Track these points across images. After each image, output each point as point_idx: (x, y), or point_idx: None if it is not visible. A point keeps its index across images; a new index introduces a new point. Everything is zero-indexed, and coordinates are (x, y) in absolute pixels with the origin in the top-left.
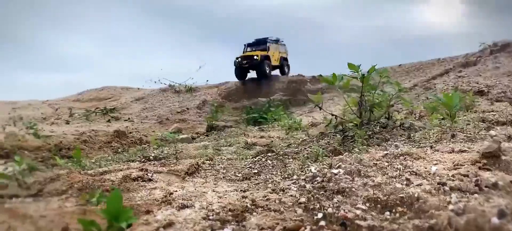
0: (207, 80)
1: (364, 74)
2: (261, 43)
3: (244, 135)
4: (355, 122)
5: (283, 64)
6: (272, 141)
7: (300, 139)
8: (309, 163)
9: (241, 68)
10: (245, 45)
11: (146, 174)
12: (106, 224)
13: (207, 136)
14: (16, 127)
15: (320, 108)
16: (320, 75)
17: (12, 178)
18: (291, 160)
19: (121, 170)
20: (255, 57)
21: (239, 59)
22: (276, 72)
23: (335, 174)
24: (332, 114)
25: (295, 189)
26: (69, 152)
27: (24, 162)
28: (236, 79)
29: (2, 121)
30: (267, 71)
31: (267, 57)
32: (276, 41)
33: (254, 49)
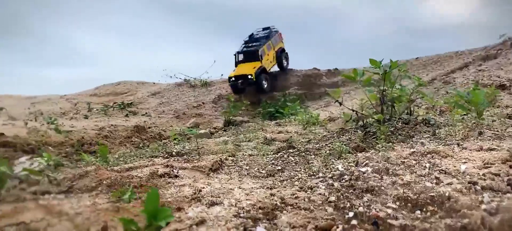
0: (222, 75)
1: (386, 70)
2: (253, 53)
3: (262, 130)
4: (378, 118)
5: (281, 57)
6: (291, 136)
7: (320, 135)
8: (333, 160)
9: (237, 86)
10: (235, 55)
11: (172, 171)
12: (144, 223)
13: (225, 131)
14: (37, 122)
15: (340, 104)
16: (336, 68)
17: (43, 175)
18: (313, 156)
19: (146, 166)
20: (249, 77)
21: (233, 79)
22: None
23: (363, 173)
24: (353, 110)
25: (324, 187)
26: (91, 147)
27: (51, 158)
28: None
29: (23, 116)
30: (265, 86)
31: (262, 70)
32: (267, 34)
33: (245, 57)
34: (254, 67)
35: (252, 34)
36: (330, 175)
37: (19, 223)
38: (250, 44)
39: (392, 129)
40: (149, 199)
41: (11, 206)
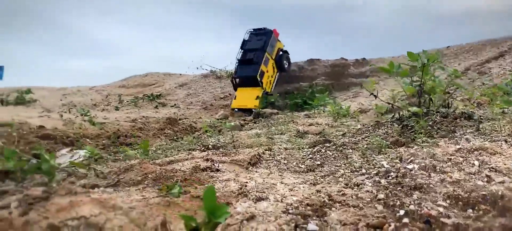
0: None
1: (424, 64)
2: (252, 79)
3: (293, 122)
4: (417, 112)
5: (281, 60)
6: (323, 129)
7: (354, 128)
8: (374, 156)
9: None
10: (232, 80)
11: (213, 165)
12: (198, 218)
13: (255, 123)
14: (71, 113)
15: (376, 97)
16: (364, 58)
17: (90, 168)
18: (351, 150)
19: (186, 159)
20: (253, 110)
21: (237, 110)
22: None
23: (410, 170)
24: (389, 103)
25: (370, 184)
26: (127, 140)
27: (94, 152)
28: None
29: (56, 107)
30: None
31: (266, 93)
32: (262, 44)
33: (244, 82)
34: (257, 97)
35: (244, 42)
36: (375, 172)
37: (79, 217)
38: (246, 61)
39: (430, 123)
40: (206, 196)
41: (67, 200)
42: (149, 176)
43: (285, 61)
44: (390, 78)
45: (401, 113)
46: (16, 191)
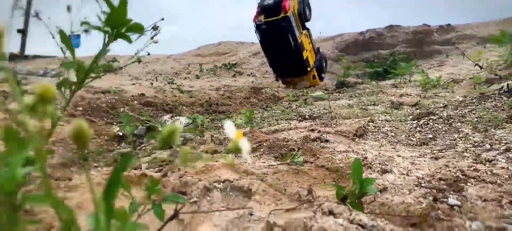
0: (320, 33)
1: None
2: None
3: (382, 92)
4: None
5: (304, 9)
6: (419, 101)
7: (455, 100)
8: (493, 130)
9: None
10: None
11: (322, 135)
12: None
13: (339, 93)
14: (158, 82)
15: (481, 68)
16: (449, 24)
17: (207, 134)
18: (460, 124)
19: (290, 129)
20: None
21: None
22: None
23: None
24: (496, 74)
25: (504, 160)
26: (219, 107)
27: (203, 119)
28: (353, 31)
29: (142, 75)
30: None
31: (319, 70)
32: (289, 38)
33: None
34: (313, 77)
35: (262, 33)
36: (503, 148)
37: (223, 180)
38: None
39: None
40: (354, 168)
41: (201, 164)
42: (264, 144)
43: (306, 10)
44: (478, 46)
45: (510, 85)
46: (136, 154)
